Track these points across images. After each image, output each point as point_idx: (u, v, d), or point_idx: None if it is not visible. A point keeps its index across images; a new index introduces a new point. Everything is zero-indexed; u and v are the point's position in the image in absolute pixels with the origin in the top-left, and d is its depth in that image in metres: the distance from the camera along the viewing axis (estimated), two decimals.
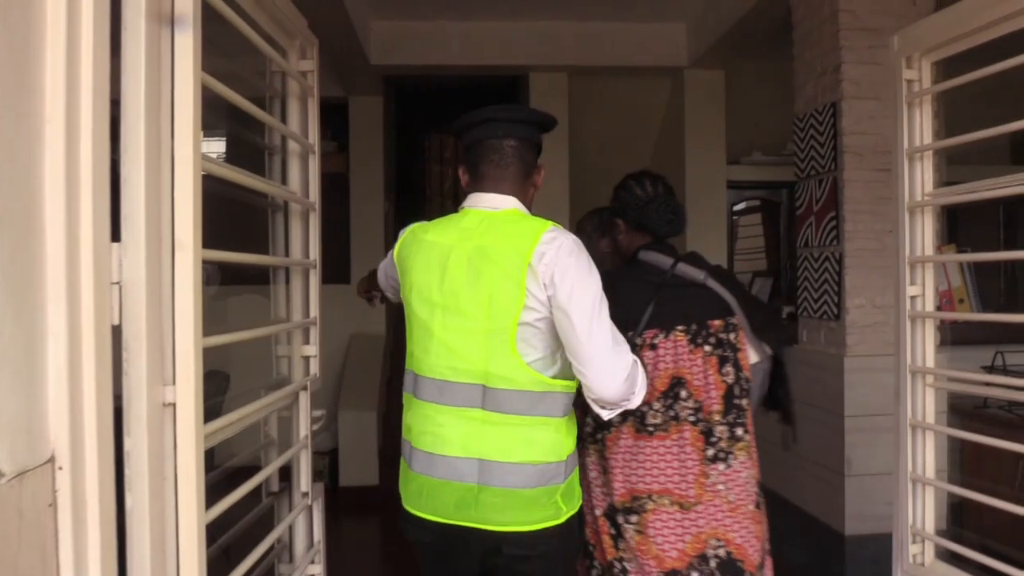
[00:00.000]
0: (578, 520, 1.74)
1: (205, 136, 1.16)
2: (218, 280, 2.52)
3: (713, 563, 1.94)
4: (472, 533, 1.64)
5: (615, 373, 1.59)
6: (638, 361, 1.66)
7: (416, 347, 1.73)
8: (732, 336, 2.04)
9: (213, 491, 1.98)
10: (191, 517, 1.12)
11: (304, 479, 1.79)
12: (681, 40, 5.05)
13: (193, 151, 1.10)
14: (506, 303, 1.61)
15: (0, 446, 0.84)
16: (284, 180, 1.83)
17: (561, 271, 1.59)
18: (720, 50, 4.71)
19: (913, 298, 1.99)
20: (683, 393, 1.99)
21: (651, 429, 1.98)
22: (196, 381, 1.12)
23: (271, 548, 1.67)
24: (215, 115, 1.78)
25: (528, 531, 1.63)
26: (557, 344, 1.65)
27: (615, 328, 1.64)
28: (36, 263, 0.91)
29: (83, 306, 0.95)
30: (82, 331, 0.95)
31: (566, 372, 1.67)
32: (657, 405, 1.98)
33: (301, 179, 1.83)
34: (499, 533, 1.63)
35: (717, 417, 1.99)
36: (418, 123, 7.56)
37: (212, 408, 1.42)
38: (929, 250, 1.98)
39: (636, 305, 2.00)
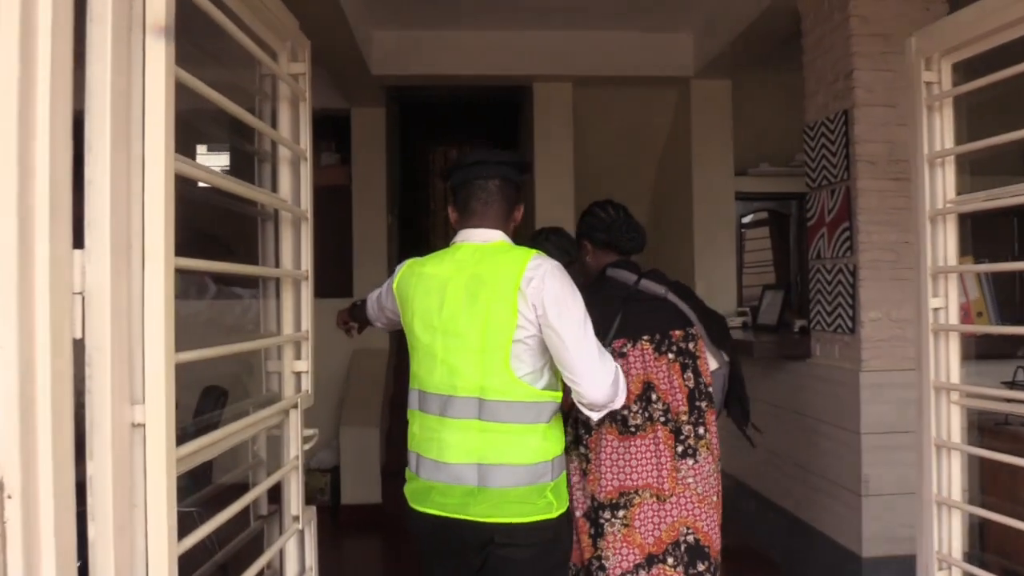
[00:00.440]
0: (568, 519, 1.92)
1: (194, 145, 1.08)
2: (214, 291, 2.43)
3: (683, 547, 2.18)
4: (471, 526, 1.82)
5: (603, 380, 1.79)
6: (619, 367, 1.87)
7: (420, 368, 1.91)
8: (691, 345, 2.27)
9: (208, 506, 1.91)
10: (162, 548, 1.03)
11: (295, 502, 1.69)
12: (687, 50, 4.98)
13: (165, 150, 1.02)
14: (500, 324, 1.79)
15: None
16: (275, 188, 1.75)
17: (548, 294, 1.78)
18: (727, 59, 4.64)
19: (936, 310, 1.89)
20: (653, 396, 2.21)
21: (633, 430, 2.19)
22: (167, 400, 1.03)
23: (260, 574, 1.58)
24: (200, 121, 1.72)
25: (523, 523, 1.80)
26: (544, 359, 1.85)
27: (599, 340, 1.84)
28: None
29: (38, 317, 0.87)
30: (35, 344, 0.86)
31: (551, 384, 1.88)
32: (635, 407, 2.19)
33: (293, 187, 1.75)
34: (495, 525, 1.80)
35: (684, 417, 2.21)
36: (421, 137, 7.51)
37: (211, 424, 1.34)
38: (952, 260, 1.89)
39: (605, 317, 2.17)
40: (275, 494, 1.73)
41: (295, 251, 1.76)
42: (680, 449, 2.20)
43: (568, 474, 2.14)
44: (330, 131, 5.62)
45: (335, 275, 5.29)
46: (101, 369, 0.95)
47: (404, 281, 1.96)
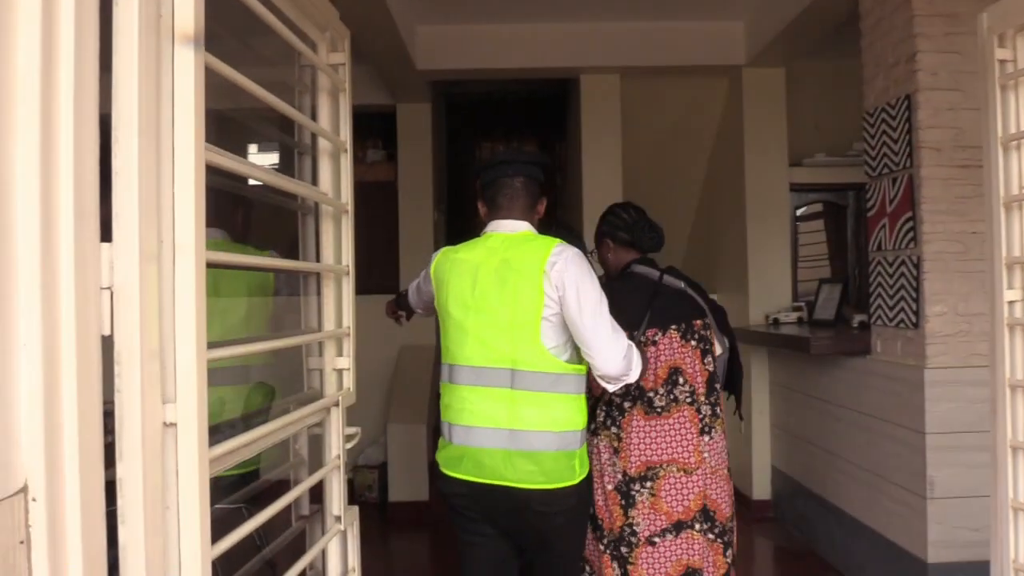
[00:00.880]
0: (588, 485, 2.17)
1: (237, 142, 1.05)
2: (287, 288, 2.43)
3: (703, 515, 2.45)
4: (505, 491, 2.03)
5: (616, 355, 2.02)
6: (632, 345, 2.10)
7: (452, 343, 2.12)
8: (708, 333, 2.55)
9: (256, 503, 1.89)
10: (195, 552, 0.99)
11: (336, 502, 1.66)
12: (738, 37, 4.83)
13: (195, 138, 0.98)
14: (528, 302, 2.03)
15: None
16: (315, 182, 1.71)
17: (569, 276, 2.01)
18: (780, 47, 4.48)
19: (1011, 303, 1.77)
20: (680, 380, 2.47)
21: (659, 410, 2.45)
22: (200, 398, 0.99)
23: (302, 574, 1.55)
24: (238, 119, 1.69)
25: (551, 488, 2.02)
26: (566, 335, 2.07)
27: (613, 319, 2.07)
28: (3, 265, 0.79)
29: (63, 313, 0.84)
30: (61, 342, 0.83)
31: (573, 358, 2.09)
32: (661, 391, 2.45)
33: (333, 180, 1.72)
34: (527, 491, 2.01)
35: (703, 399, 2.48)
36: (468, 132, 7.48)
37: (260, 421, 1.32)
38: None
39: (637, 309, 2.45)
40: (317, 493, 1.71)
41: (336, 246, 1.73)
42: (700, 427, 2.47)
43: (599, 452, 2.48)
44: (376, 128, 5.62)
45: (382, 271, 5.29)
46: (130, 367, 0.92)
47: (440, 266, 2.19)
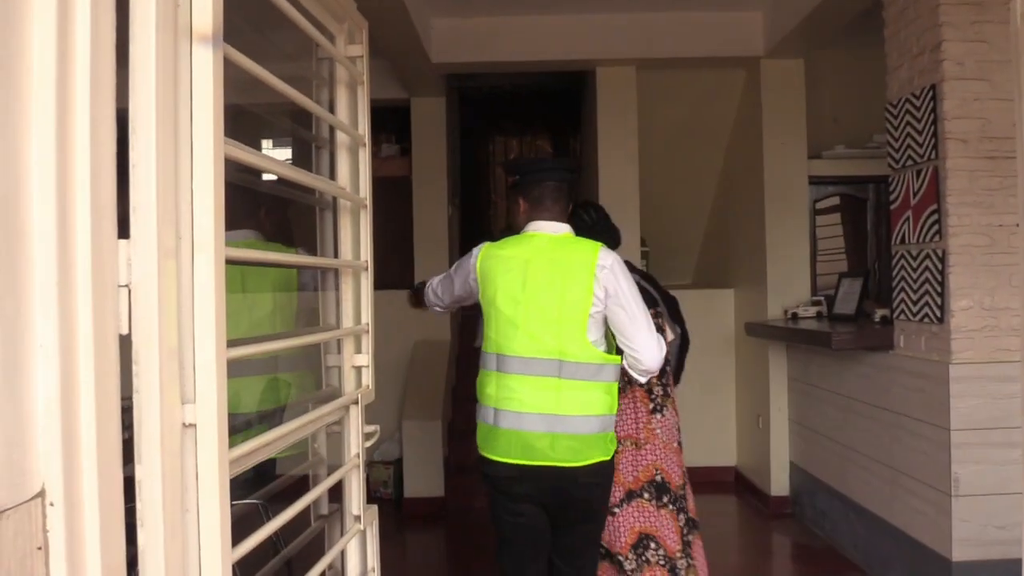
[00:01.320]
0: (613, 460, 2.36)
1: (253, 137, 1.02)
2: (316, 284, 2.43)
3: (654, 486, 2.71)
4: (551, 470, 2.21)
5: (658, 352, 2.26)
6: (661, 338, 2.31)
7: (500, 335, 2.28)
8: (660, 321, 2.71)
9: (272, 499, 1.87)
10: (215, 555, 0.97)
11: (356, 502, 1.63)
12: (757, 28, 4.77)
13: (214, 132, 0.95)
14: (577, 300, 2.22)
15: None
16: (333, 176, 1.68)
17: (619, 281, 2.23)
18: (799, 37, 4.41)
19: None
20: None
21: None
22: (219, 398, 0.97)
23: (322, 574, 1.52)
24: (256, 114, 1.67)
25: (595, 463, 2.24)
26: (603, 330, 2.28)
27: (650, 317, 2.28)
28: (19, 263, 0.77)
29: (80, 312, 0.81)
30: (78, 341, 0.81)
31: (609, 349, 2.29)
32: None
33: (351, 174, 1.69)
34: (574, 468, 2.21)
35: (655, 380, 2.74)
36: (482, 126, 7.44)
37: (281, 416, 1.30)
38: None
39: None
40: (336, 492, 1.68)
41: (354, 241, 1.70)
42: (651, 406, 2.75)
43: None
44: (390, 122, 5.60)
45: (397, 266, 5.27)
46: (149, 367, 0.90)
47: (485, 262, 2.34)
